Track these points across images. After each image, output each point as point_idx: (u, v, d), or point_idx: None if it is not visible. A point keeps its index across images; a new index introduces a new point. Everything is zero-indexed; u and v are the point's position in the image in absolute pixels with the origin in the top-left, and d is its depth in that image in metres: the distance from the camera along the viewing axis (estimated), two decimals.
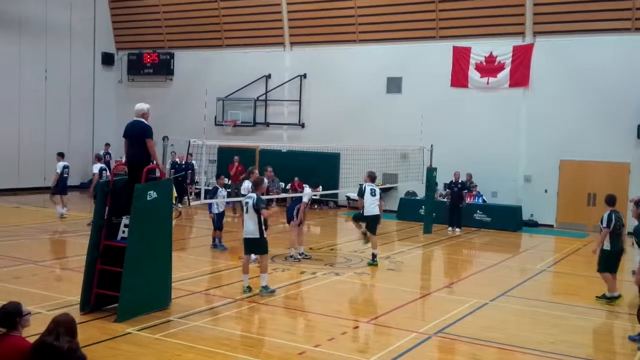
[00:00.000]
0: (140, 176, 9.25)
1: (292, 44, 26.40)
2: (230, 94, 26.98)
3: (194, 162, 23.74)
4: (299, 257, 14.12)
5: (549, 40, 21.91)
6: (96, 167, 18.57)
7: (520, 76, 22.27)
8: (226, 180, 22.08)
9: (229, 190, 20.51)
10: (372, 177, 14.56)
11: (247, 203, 10.84)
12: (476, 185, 21.80)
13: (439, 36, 23.59)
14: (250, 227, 10.77)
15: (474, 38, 23.02)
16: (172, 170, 21.78)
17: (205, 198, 13.76)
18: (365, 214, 14.15)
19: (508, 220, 21.11)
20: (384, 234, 16.83)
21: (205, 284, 11.76)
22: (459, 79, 23.25)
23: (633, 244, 10.58)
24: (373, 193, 14.16)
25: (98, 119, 29.44)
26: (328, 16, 25.39)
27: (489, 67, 22.75)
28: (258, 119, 26.84)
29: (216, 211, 14.92)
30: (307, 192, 14.35)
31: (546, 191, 22.05)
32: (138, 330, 8.56)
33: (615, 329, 10.25)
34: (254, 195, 10.85)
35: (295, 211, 14.24)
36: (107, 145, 26.53)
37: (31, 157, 25.87)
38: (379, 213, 14.30)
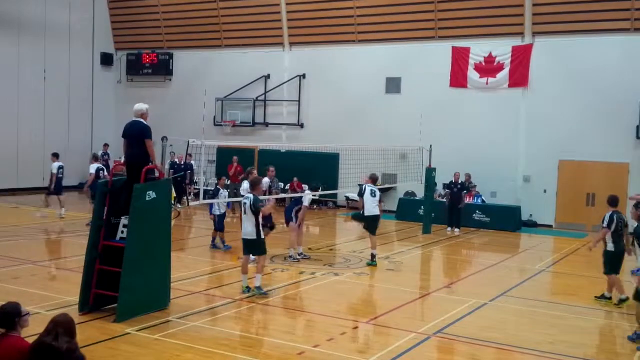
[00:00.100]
0: (139, 176, 9.25)
1: (291, 44, 26.39)
2: (229, 94, 26.98)
3: (192, 162, 23.73)
4: (297, 257, 14.12)
5: (548, 40, 21.92)
6: (93, 167, 18.55)
7: (519, 76, 22.28)
8: (226, 181, 22.10)
9: (228, 190, 20.48)
10: (373, 179, 14.57)
11: (244, 204, 10.84)
12: (475, 186, 21.80)
13: (438, 36, 23.59)
14: (248, 228, 10.76)
15: (473, 38, 23.03)
16: (171, 171, 21.79)
17: (205, 199, 13.76)
18: (365, 214, 14.15)
19: (507, 220, 21.12)
20: (383, 234, 16.83)
21: (204, 284, 11.76)
22: (458, 79, 23.25)
23: (633, 242, 10.58)
24: (373, 194, 14.17)
25: (97, 119, 29.42)
26: (327, 16, 25.39)
27: (488, 67, 22.75)
28: (257, 119, 26.84)
29: (217, 212, 14.88)
30: (308, 196, 14.34)
31: (545, 191, 22.06)
32: (137, 331, 8.56)
33: (614, 329, 10.25)
34: (251, 195, 10.84)
35: (293, 213, 14.23)
36: (106, 145, 26.51)
37: (30, 157, 25.86)
38: (378, 213, 14.31)
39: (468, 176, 20.91)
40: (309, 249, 15.39)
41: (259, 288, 10.73)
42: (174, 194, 19.13)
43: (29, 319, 5.42)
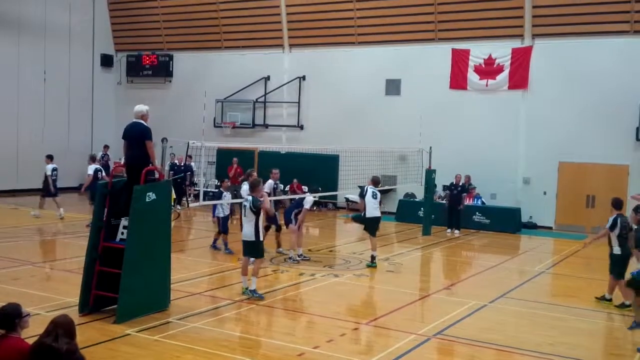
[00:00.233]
0: (139, 178, 9.25)
1: (291, 45, 26.41)
2: (229, 96, 26.98)
3: (192, 164, 23.74)
4: (297, 258, 14.11)
5: (547, 42, 21.94)
6: (91, 168, 18.54)
7: (519, 78, 22.30)
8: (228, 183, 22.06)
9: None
10: (375, 182, 14.57)
11: (245, 206, 10.85)
12: (474, 187, 21.80)
13: (437, 38, 23.60)
14: (247, 230, 10.75)
15: (472, 40, 23.04)
16: (171, 172, 21.78)
17: (205, 200, 13.74)
18: (367, 215, 14.14)
19: (507, 222, 21.11)
20: (382, 236, 16.83)
21: (204, 286, 11.75)
22: (458, 81, 23.27)
23: (636, 245, 10.60)
24: (375, 196, 14.18)
25: (97, 120, 29.43)
26: (327, 18, 25.41)
27: (488, 70, 22.77)
28: (257, 121, 26.85)
29: (221, 215, 14.82)
30: (309, 200, 14.33)
31: (545, 193, 22.06)
32: (137, 332, 8.56)
33: (614, 331, 10.25)
34: (250, 197, 10.83)
35: (293, 215, 14.24)
36: (106, 147, 26.48)
37: (30, 158, 25.81)
38: (379, 215, 14.32)
39: (468, 178, 20.91)
40: (309, 250, 15.39)
41: (254, 291, 10.67)
42: (173, 196, 19.15)
43: (29, 320, 5.42)
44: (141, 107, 9.83)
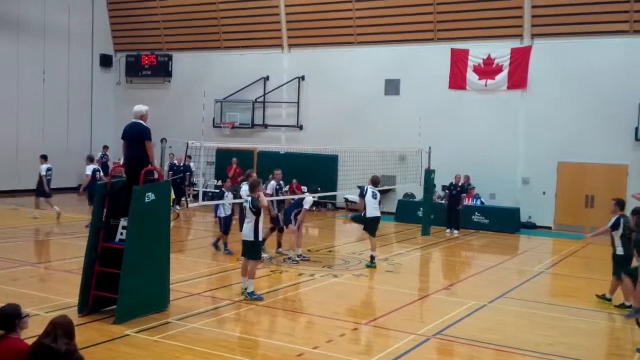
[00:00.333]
0: (138, 178, 9.25)
1: (290, 45, 26.40)
2: (229, 96, 26.98)
3: (191, 164, 23.74)
4: (297, 259, 14.11)
5: (546, 42, 21.95)
6: (89, 169, 18.53)
7: (518, 78, 22.30)
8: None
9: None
10: (374, 182, 14.55)
11: (245, 207, 10.83)
12: (473, 187, 21.80)
13: (437, 38, 23.60)
14: (246, 230, 10.74)
15: (472, 40, 23.04)
16: (170, 172, 21.79)
17: (204, 200, 13.71)
18: (367, 215, 14.12)
19: (506, 222, 21.11)
20: (382, 236, 16.83)
21: (203, 286, 11.74)
22: (457, 81, 23.27)
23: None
24: (374, 196, 14.17)
25: (96, 120, 29.41)
26: (326, 18, 25.41)
27: (487, 69, 22.77)
28: (256, 121, 26.84)
29: (222, 215, 14.78)
30: (308, 200, 14.33)
31: (544, 193, 22.06)
32: (136, 332, 8.55)
33: (614, 331, 10.26)
34: (250, 198, 10.82)
35: (293, 215, 14.23)
36: (105, 147, 26.47)
37: (29, 158, 25.70)
38: (379, 215, 14.32)
39: (467, 178, 20.90)
40: (309, 250, 15.38)
41: (252, 293, 10.61)
42: (173, 196, 19.15)
43: (28, 320, 5.42)
44: (140, 107, 9.82)
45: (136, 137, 9.51)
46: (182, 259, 13.78)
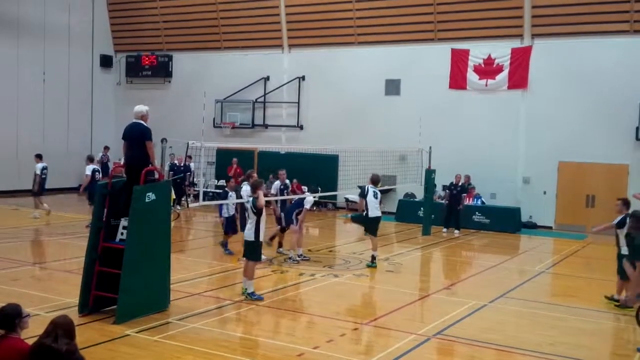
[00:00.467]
0: (139, 178, 9.25)
1: (291, 46, 26.40)
2: (229, 96, 26.98)
3: (191, 164, 23.73)
4: (297, 259, 14.11)
5: (547, 42, 21.94)
6: (89, 169, 18.54)
7: (518, 78, 22.30)
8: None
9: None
10: (374, 180, 14.53)
11: (246, 207, 10.82)
12: (474, 187, 21.79)
13: (437, 38, 23.60)
14: (247, 230, 10.74)
15: (472, 40, 23.04)
16: (171, 173, 21.78)
17: (205, 200, 13.68)
18: (369, 215, 14.09)
19: (507, 221, 21.10)
20: (382, 236, 16.81)
21: (204, 286, 11.74)
22: (457, 81, 23.27)
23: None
24: (375, 196, 14.15)
25: (96, 120, 29.42)
26: (326, 18, 25.41)
27: (488, 69, 22.76)
28: (257, 121, 26.85)
29: (226, 215, 14.74)
30: (309, 200, 14.32)
31: (545, 193, 22.06)
32: (137, 332, 8.55)
33: (614, 330, 10.25)
34: (251, 198, 10.82)
35: (294, 215, 14.23)
36: (106, 148, 26.43)
37: (30, 158, 25.53)
38: (380, 215, 14.31)
39: (467, 178, 20.90)
40: (309, 250, 15.38)
41: (252, 294, 10.58)
42: (173, 196, 19.14)
43: (28, 320, 5.41)
44: (141, 108, 9.82)
45: (137, 137, 9.52)
46: (182, 259, 13.77)
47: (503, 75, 22.53)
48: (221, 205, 14.77)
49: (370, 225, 14.27)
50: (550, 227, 21.98)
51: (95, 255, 9.31)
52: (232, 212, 14.66)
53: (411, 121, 21.93)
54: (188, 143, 11.95)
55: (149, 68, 29.24)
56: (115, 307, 9.03)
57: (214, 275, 12.95)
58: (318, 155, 23.62)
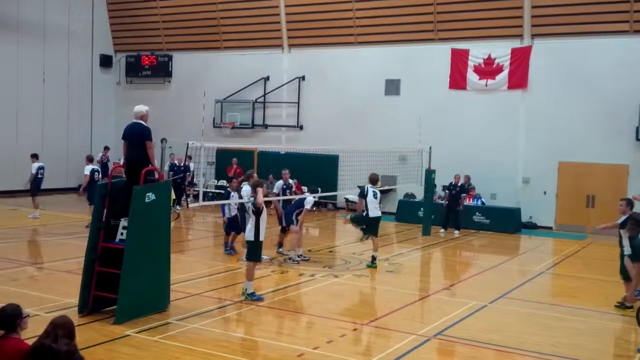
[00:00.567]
0: (138, 178, 9.23)
1: (291, 46, 26.39)
2: (229, 96, 26.98)
3: (191, 164, 23.71)
4: (297, 259, 14.10)
5: (547, 42, 21.93)
6: (88, 169, 18.53)
7: (518, 78, 22.29)
8: (226, 183, 21.95)
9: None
10: (373, 180, 14.50)
11: (247, 207, 10.81)
12: (474, 187, 21.78)
13: (437, 38, 23.59)
14: (248, 230, 10.74)
15: (472, 40, 23.03)
16: (171, 173, 21.77)
17: (205, 202, 13.67)
18: (370, 215, 14.06)
19: (507, 222, 21.09)
20: (382, 236, 16.80)
21: (204, 286, 11.72)
22: (457, 81, 23.26)
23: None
24: (375, 196, 14.13)
25: (96, 121, 29.40)
26: (326, 18, 25.40)
27: (488, 70, 22.76)
28: (256, 121, 26.84)
29: (228, 215, 14.70)
30: (309, 200, 14.31)
31: (545, 193, 22.05)
32: (136, 333, 8.54)
33: (614, 330, 10.24)
34: (252, 198, 10.80)
35: (294, 215, 14.22)
36: (107, 148, 26.38)
37: (29, 158, 25.78)
38: (380, 215, 14.29)
39: (467, 178, 20.89)
40: (309, 250, 15.37)
41: (252, 294, 10.55)
42: (173, 196, 19.13)
43: (28, 321, 5.40)
44: (141, 108, 9.81)
45: (137, 137, 9.51)
46: (182, 259, 13.75)
47: (503, 76, 22.53)
48: (223, 205, 14.74)
49: (371, 226, 14.24)
50: (551, 228, 21.98)
51: (95, 256, 9.29)
52: (234, 212, 14.58)
53: (411, 121, 21.91)
54: (188, 143, 11.94)
55: (148, 68, 29.23)
56: (115, 307, 9.02)
57: (213, 276, 12.93)
58: (318, 155, 23.62)
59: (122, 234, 9.32)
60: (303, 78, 26.07)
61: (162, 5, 28.35)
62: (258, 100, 26.78)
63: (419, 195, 22.52)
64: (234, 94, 26.88)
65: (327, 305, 10.57)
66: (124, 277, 8.94)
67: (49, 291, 10.65)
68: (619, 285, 11.36)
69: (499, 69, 22.59)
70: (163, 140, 10.21)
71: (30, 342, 5.27)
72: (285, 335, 9.04)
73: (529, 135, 22.20)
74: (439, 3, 23.24)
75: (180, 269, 12.16)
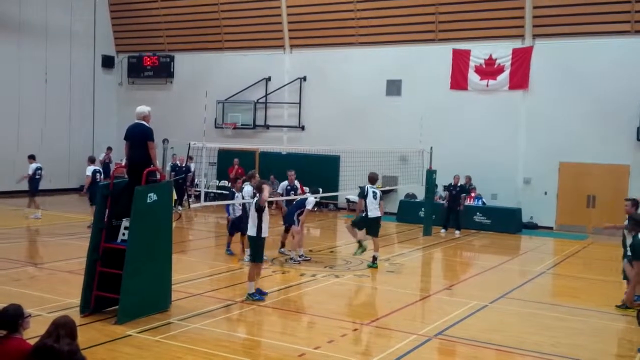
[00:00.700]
0: (140, 178, 9.26)
1: (292, 46, 26.42)
2: (230, 97, 27.01)
3: (192, 164, 23.72)
4: (298, 259, 14.12)
5: (548, 42, 21.95)
6: (89, 169, 18.56)
7: (519, 79, 22.30)
8: (227, 183, 21.96)
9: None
10: (371, 179, 14.49)
11: (248, 207, 10.84)
12: (475, 188, 21.80)
13: (438, 39, 23.61)
14: (250, 227, 10.75)
15: (473, 41, 23.05)
16: (172, 173, 21.79)
17: (207, 202, 13.68)
18: (369, 215, 14.07)
19: (508, 222, 21.11)
20: (383, 236, 16.82)
21: (205, 286, 11.75)
22: (458, 81, 23.28)
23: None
24: (375, 196, 14.13)
25: (98, 121, 29.45)
26: (328, 19, 25.43)
27: (489, 70, 22.78)
28: (258, 122, 26.87)
29: (233, 216, 14.70)
30: (311, 201, 14.32)
31: (546, 193, 22.06)
32: (138, 333, 8.57)
33: (615, 330, 10.25)
34: (256, 198, 10.82)
35: (296, 216, 14.24)
36: (109, 149, 26.41)
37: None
38: (380, 215, 14.30)
39: (468, 178, 20.91)
40: (310, 251, 15.39)
41: (252, 294, 10.56)
42: (174, 197, 19.14)
43: (30, 321, 5.43)
44: (143, 108, 9.83)
45: (139, 137, 9.53)
46: (183, 260, 13.78)
47: (504, 76, 22.55)
48: (228, 205, 14.75)
49: (372, 226, 14.24)
50: (551, 228, 21.99)
51: (97, 256, 9.31)
52: (238, 213, 14.51)
53: (412, 122, 21.95)
54: (189, 143, 11.97)
55: (150, 69, 29.27)
56: (116, 307, 9.05)
57: (214, 276, 12.96)
58: (319, 155, 23.62)
59: (123, 234, 9.35)
60: (304, 78, 26.10)
61: (164, 6, 28.40)
62: (259, 101, 26.81)
63: (420, 195, 22.53)
64: (235, 94, 26.92)
65: (328, 305, 10.59)
66: (126, 277, 8.97)
67: (50, 291, 10.68)
68: (620, 285, 11.38)
69: (500, 70, 22.61)
70: (165, 140, 10.23)
71: (32, 342, 5.30)
72: (286, 335, 9.06)
73: (530, 135, 22.22)
74: (441, 4, 23.26)
75: (181, 269, 12.18)
